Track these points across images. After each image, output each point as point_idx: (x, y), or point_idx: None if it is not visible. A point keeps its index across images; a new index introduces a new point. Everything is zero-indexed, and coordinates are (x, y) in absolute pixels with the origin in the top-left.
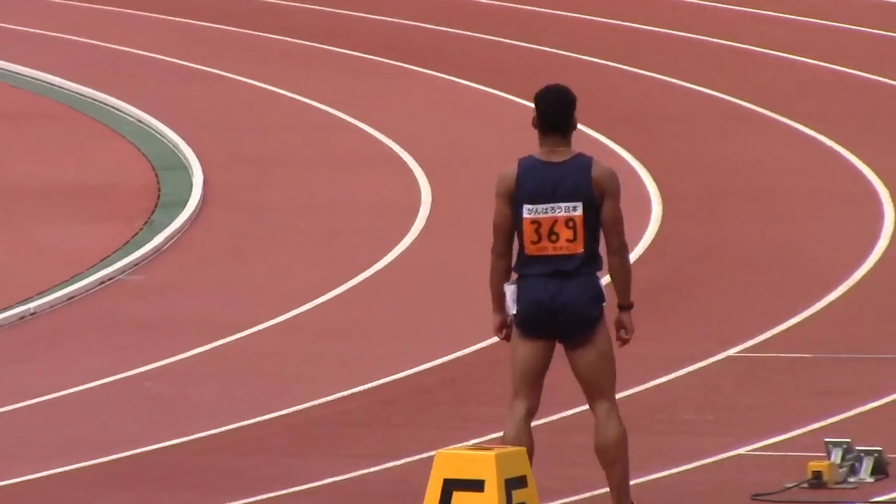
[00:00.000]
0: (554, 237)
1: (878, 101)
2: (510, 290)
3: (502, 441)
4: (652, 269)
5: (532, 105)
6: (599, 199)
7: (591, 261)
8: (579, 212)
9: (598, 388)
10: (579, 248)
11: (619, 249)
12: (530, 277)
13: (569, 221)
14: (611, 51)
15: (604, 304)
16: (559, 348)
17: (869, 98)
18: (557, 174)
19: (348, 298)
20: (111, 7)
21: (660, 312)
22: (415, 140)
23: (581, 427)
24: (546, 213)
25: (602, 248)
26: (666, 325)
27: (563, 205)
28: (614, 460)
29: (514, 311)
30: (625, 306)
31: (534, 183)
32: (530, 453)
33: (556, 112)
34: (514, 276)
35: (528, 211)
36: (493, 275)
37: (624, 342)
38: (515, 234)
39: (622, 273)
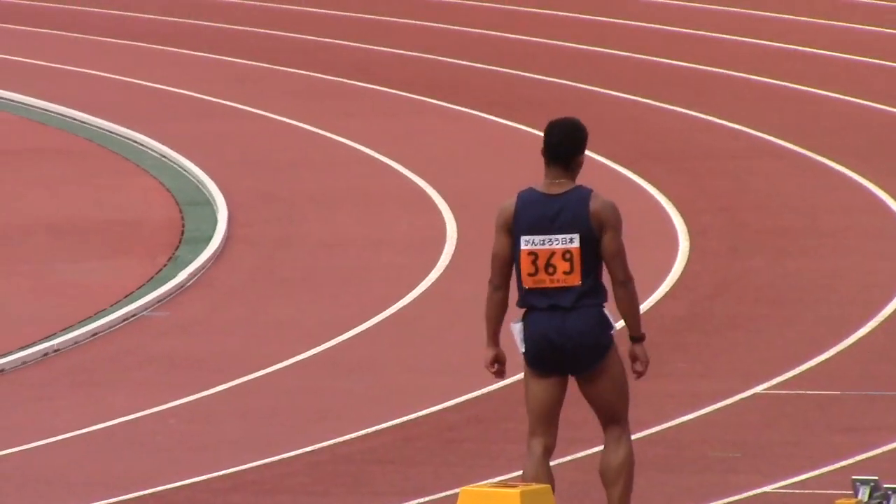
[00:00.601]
0: (551, 269)
1: None
2: (517, 328)
3: (521, 479)
4: (678, 305)
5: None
6: (598, 232)
7: (591, 293)
8: (576, 244)
9: (611, 413)
10: (577, 281)
11: (625, 281)
12: (534, 313)
13: (566, 254)
14: (640, 86)
15: (612, 331)
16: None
17: None
18: (555, 206)
19: (373, 335)
20: (137, 42)
21: (686, 349)
22: (441, 176)
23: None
24: (543, 244)
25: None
26: (692, 362)
27: (560, 237)
28: (616, 479)
29: (524, 349)
30: (636, 338)
31: (532, 215)
32: (551, 490)
33: (560, 144)
34: (522, 313)
35: (525, 242)
36: (488, 306)
37: (639, 374)
38: (514, 266)
39: (629, 304)
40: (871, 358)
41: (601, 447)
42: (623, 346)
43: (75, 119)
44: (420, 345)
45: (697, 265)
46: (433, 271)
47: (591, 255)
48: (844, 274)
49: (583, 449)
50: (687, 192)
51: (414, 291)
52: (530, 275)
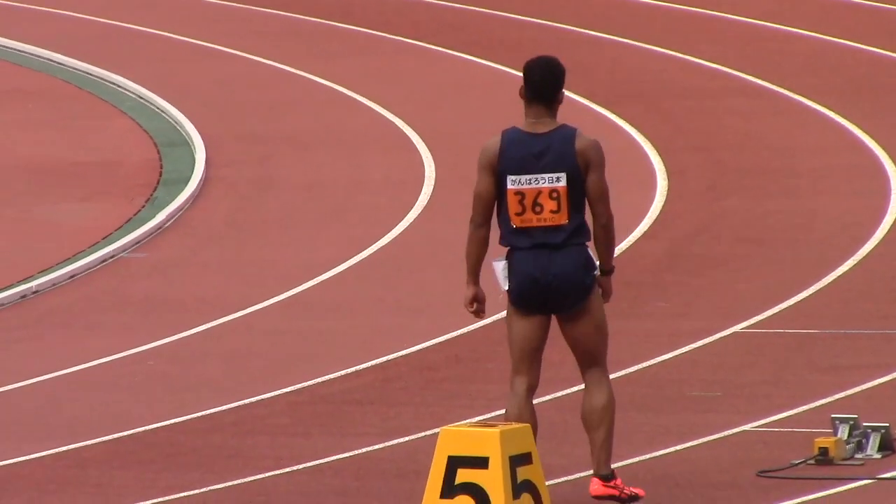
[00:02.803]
0: (538, 208)
1: (887, 76)
2: (500, 266)
3: (504, 418)
4: (657, 245)
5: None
6: (584, 171)
7: (578, 232)
8: (563, 183)
9: (591, 356)
10: (563, 220)
11: (606, 222)
12: (519, 251)
13: (552, 193)
14: (619, 27)
15: (595, 272)
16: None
17: (877, 73)
18: (541, 145)
19: (352, 275)
20: None
21: (665, 288)
22: (419, 117)
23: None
24: (530, 183)
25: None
26: (671, 302)
27: (546, 176)
28: (599, 423)
29: (507, 287)
30: (605, 271)
31: (517, 154)
32: (533, 430)
33: (542, 82)
34: (505, 251)
35: (511, 182)
36: (469, 245)
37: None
38: (496, 206)
39: (607, 242)
40: (849, 297)
41: (580, 387)
42: None
43: (53, 61)
44: (399, 285)
45: (676, 205)
46: (411, 211)
47: (578, 194)
48: (823, 213)
49: (561, 388)
50: (665, 131)
51: (392, 232)
52: (517, 214)
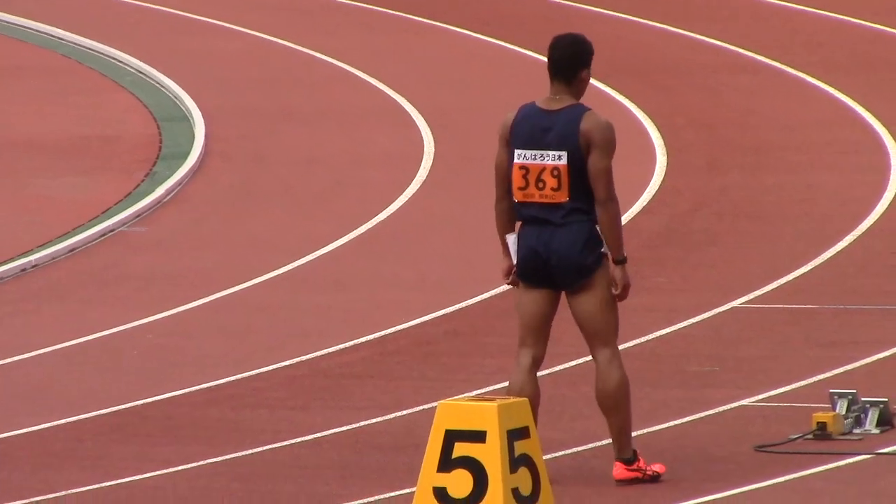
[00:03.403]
0: (541, 184)
1: (888, 52)
2: (512, 239)
3: (507, 390)
4: (656, 221)
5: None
6: (586, 151)
7: (581, 211)
8: (564, 161)
9: (598, 336)
10: (563, 198)
11: (605, 201)
12: (525, 226)
13: (554, 170)
14: (621, 3)
15: (601, 251)
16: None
17: (878, 49)
18: (549, 122)
19: (351, 250)
20: None
21: (664, 263)
22: (420, 93)
23: (586, 378)
24: (535, 159)
25: None
26: (670, 277)
27: (550, 153)
28: (615, 407)
29: (515, 261)
30: (616, 260)
31: (526, 129)
32: (535, 402)
33: (561, 59)
34: (518, 224)
35: (518, 156)
36: (496, 219)
37: (619, 298)
38: None
39: (609, 226)
40: (848, 272)
41: (578, 361)
42: None
43: (54, 36)
44: (397, 260)
45: (676, 180)
46: (410, 187)
47: (580, 174)
48: (822, 188)
49: (559, 363)
50: (665, 107)
51: (391, 207)
52: (520, 188)
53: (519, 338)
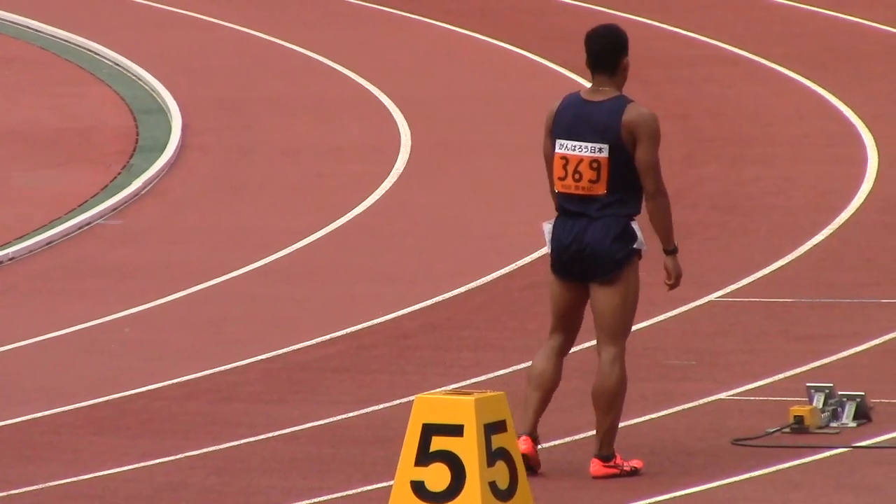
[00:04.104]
0: (577, 176)
1: (864, 45)
2: (547, 228)
3: (529, 369)
4: None
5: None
6: (629, 143)
7: (618, 203)
8: (604, 154)
9: (610, 332)
10: (602, 190)
11: (655, 194)
12: (560, 217)
13: (593, 162)
14: None
15: (633, 247)
16: None
17: (854, 42)
18: (590, 113)
19: (327, 243)
20: None
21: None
22: (396, 85)
23: (568, 374)
24: (574, 150)
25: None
26: (647, 270)
27: (589, 145)
28: (608, 406)
29: (550, 250)
30: (666, 250)
31: (567, 119)
32: (552, 387)
33: (598, 51)
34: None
35: (559, 146)
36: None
37: (669, 287)
38: None
39: (659, 217)
40: (825, 265)
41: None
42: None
43: (31, 28)
44: (375, 252)
45: None
46: (387, 179)
47: (621, 166)
48: (799, 181)
49: None
50: (643, 99)
51: (369, 199)
52: (560, 178)
53: (551, 324)
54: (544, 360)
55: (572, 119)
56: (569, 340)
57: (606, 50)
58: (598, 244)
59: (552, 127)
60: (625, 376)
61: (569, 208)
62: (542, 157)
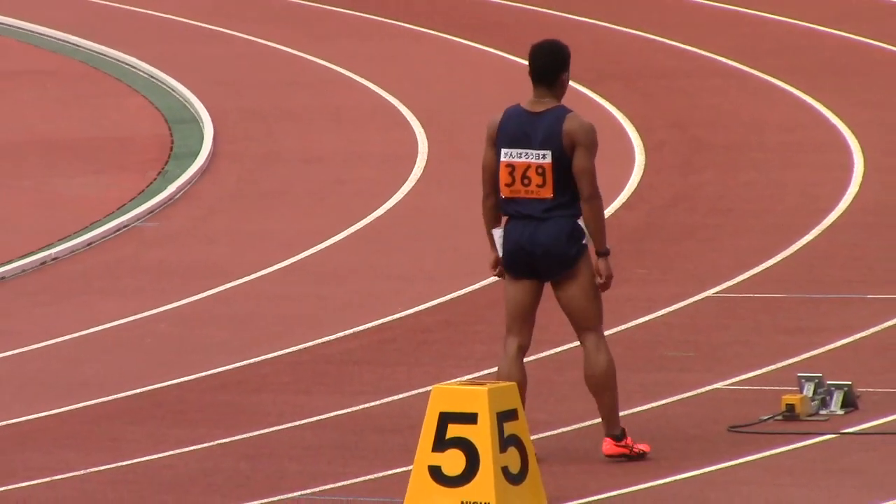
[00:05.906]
0: (526, 181)
1: (851, 57)
2: (497, 233)
3: (496, 375)
4: (635, 216)
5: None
6: (569, 150)
7: (564, 206)
8: (548, 160)
9: (583, 321)
10: (548, 194)
11: (589, 198)
12: (511, 220)
13: (539, 168)
14: (599, 11)
15: (583, 241)
16: (548, 286)
17: (842, 55)
18: (534, 123)
19: (349, 244)
20: None
21: (643, 256)
22: (412, 95)
23: (571, 363)
24: (520, 157)
25: None
26: (648, 268)
27: (534, 152)
28: (603, 388)
29: (501, 254)
30: (599, 252)
31: (512, 129)
32: (522, 387)
33: (542, 65)
34: (504, 219)
35: (504, 155)
36: (484, 215)
37: (602, 288)
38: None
39: (593, 220)
40: (815, 263)
41: (563, 348)
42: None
43: (69, 42)
44: (393, 253)
45: (653, 178)
46: (405, 185)
47: (564, 171)
48: (790, 185)
49: (546, 349)
50: (643, 109)
51: (387, 203)
52: (507, 185)
53: (506, 326)
54: (508, 365)
55: (516, 129)
56: (526, 340)
57: (549, 65)
58: (552, 244)
59: (496, 137)
60: (611, 357)
61: (519, 211)
62: (482, 167)
